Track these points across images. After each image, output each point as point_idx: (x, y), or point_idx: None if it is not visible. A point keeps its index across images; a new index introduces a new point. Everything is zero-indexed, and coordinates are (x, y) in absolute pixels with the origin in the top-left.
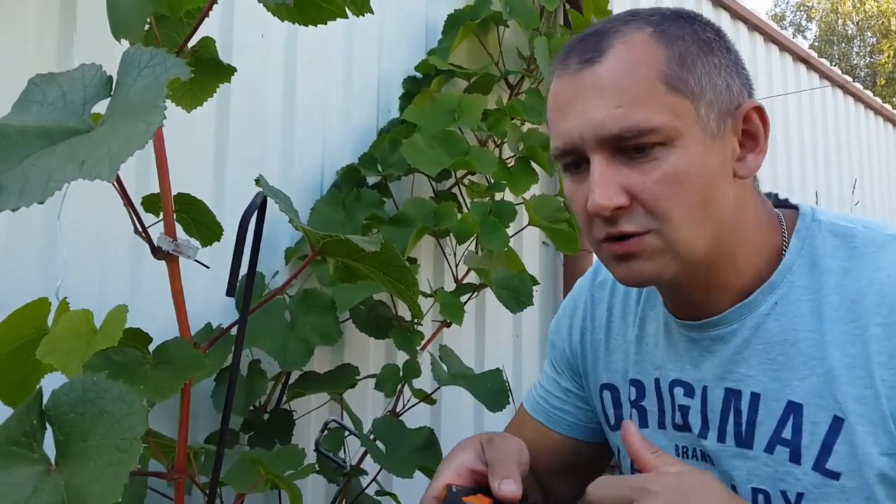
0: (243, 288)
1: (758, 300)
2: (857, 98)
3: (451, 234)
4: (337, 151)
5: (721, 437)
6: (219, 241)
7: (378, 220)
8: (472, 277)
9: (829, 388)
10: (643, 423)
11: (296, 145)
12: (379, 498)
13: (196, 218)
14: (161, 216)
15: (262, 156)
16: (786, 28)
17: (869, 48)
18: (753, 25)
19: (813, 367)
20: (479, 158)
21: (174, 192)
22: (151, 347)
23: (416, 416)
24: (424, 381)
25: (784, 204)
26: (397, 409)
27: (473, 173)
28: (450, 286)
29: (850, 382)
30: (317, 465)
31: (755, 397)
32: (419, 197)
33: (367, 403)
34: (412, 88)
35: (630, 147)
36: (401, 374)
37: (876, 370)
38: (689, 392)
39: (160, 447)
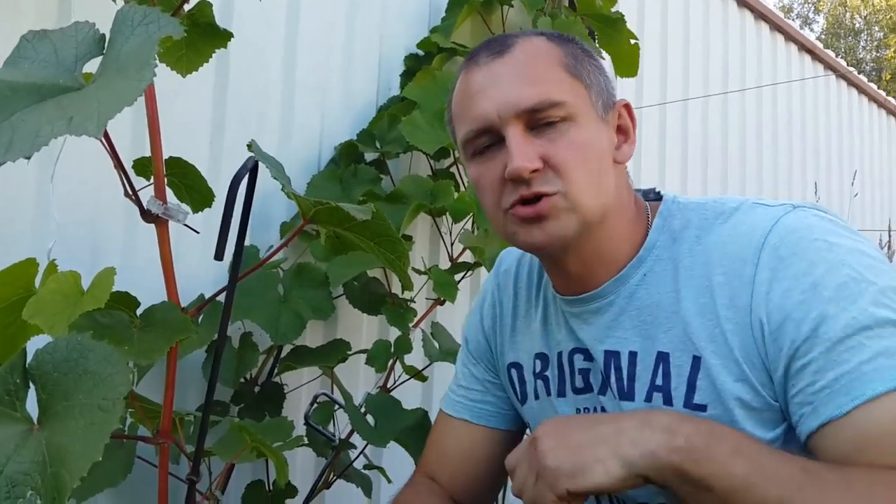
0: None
1: (629, 273)
2: (861, 90)
3: (448, 213)
4: (335, 127)
5: (603, 392)
6: (210, 206)
7: (375, 196)
8: (468, 256)
9: (687, 334)
10: (547, 393)
11: (294, 119)
12: (366, 472)
13: (187, 183)
14: (152, 180)
15: (260, 128)
16: (793, 20)
17: (876, 43)
18: (760, 14)
19: (674, 320)
20: None
21: (176, 157)
22: (141, 312)
23: (407, 393)
24: (416, 358)
25: (654, 198)
26: (388, 385)
27: None
28: (445, 264)
29: (702, 326)
30: (305, 438)
31: (633, 355)
32: (416, 174)
33: (359, 379)
34: (413, 66)
35: (540, 121)
36: (392, 349)
37: (720, 311)
38: (589, 356)
39: (146, 412)
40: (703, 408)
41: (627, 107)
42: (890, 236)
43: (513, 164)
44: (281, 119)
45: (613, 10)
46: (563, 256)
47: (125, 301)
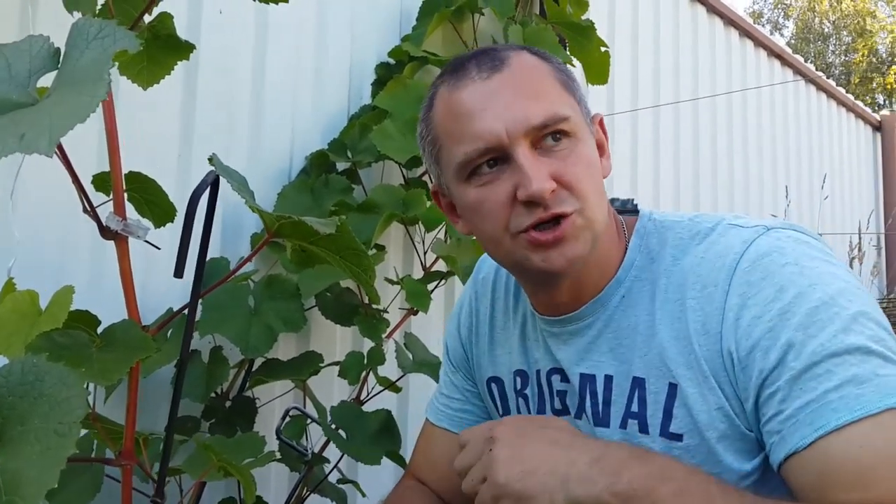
0: (207, 274)
1: (609, 295)
2: (830, 95)
3: (420, 222)
4: (306, 136)
5: (579, 416)
6: (172, 221)
7: (346, 206)
8: (441, 265)
9: (663, 360)
10: (528, 411)
11: (264, 129)
12: (341, 486)
13: (148, 198)
14: (112, 196)
15: (230, 138)
16: (763, 25)
17: (844, 47)
18: (729, 20)
19: (650, 344)
20: None
21: (136, 172)
22: (101, 331)
23: (381, 404)
24: (390, 369)
25: (627, 211)
26: (362, 397)
27: None
28: (418, 274)
29: (678, 352)
30: (278, 453)
31: (608, 379)
32: (388, 184)
33: (333, 391)
34: (384, 75)
35: (547, 139)
36: (365, 361)
37: (694, 337)
38: (566, 378)
39: (110, 433)
40: (679, 437)
41: (601, 122)
42: (860, 239)
43: (532, 186)
44: (250, 130)
45: (584, 17)
46: (565, 280)
47: (85, 320)
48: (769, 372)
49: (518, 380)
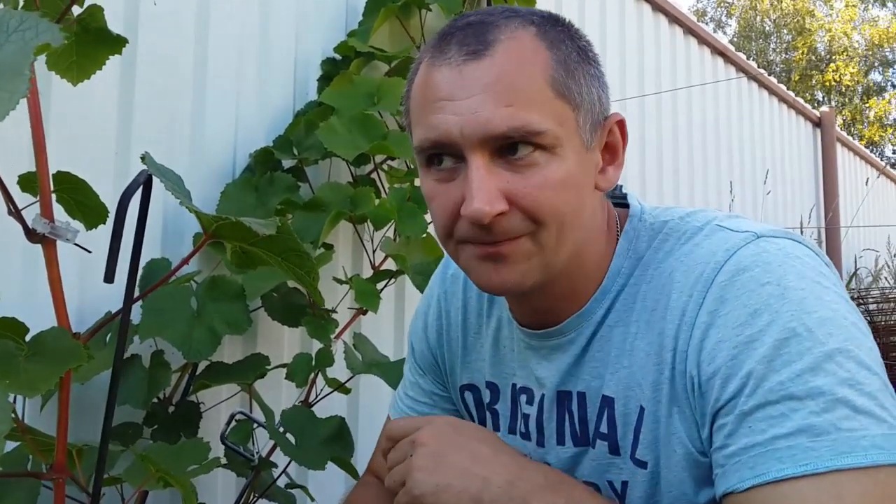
0: (147, 276)
1: (593, 308)
2: (772, 91)
3: (369, 220)
4: (250, 133)
5: (560, 440)
6: (104, 223)
7: (292, 204)
8: (390, 264)
9: (635, 379)
10: (495, 427)
11: (207, 126)
12: (290, 490)
13: (78, 198)
14: (38, 197)
15: (170, 135)
16: (707, 24)
17: (785, 45)
18: (674, 18)
19: (621, 360)
20: (398, 143)
21: (71, 171)
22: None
23: (331, 406)
24: (340, 370)
25: (618, 200)
26: (310, 399)
27: (392, 158)
28: (367, 273)
29: (648, 370)
30: (224, 459)
31: (581, 396)
32: (335, 182)
33: (281, 394)
34: (331, 70)
35: (510, 149)
36: (313, 363)
37: (665, 355)
38: (530, 400)
39: (41, 446)
40: (643, 464)
41: (621, 123)
42: (802, 233)
43: (473, 205)
44: (192, 126)
45: None
46: (523, 297)
47: (12, 328)
48: (724, 403)
49: (488, 392)
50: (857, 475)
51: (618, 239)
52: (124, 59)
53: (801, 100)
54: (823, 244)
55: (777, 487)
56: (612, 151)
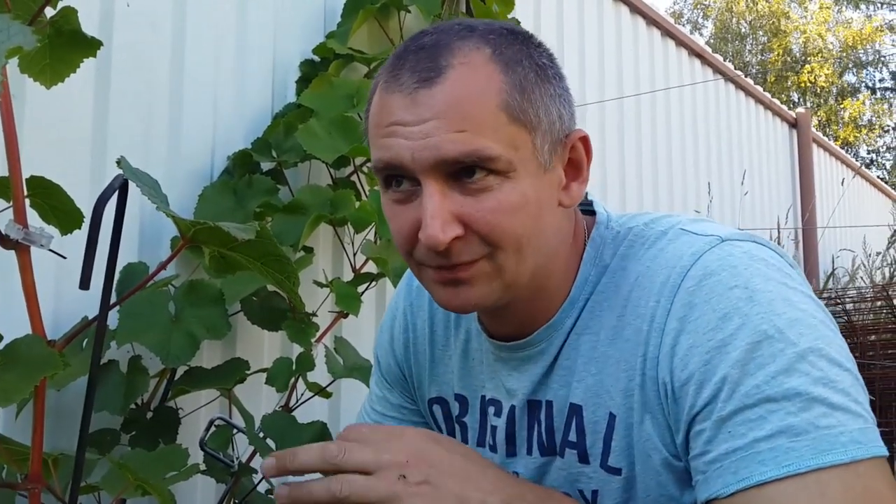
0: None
1: (561, 319)
2: (748, 93)
3: (349, 223)
4: (229, 135)
5: (529, 450)
6: (79, 228)
7: (272, 207)
8: (371, 267)
9: (604, 386)
10: (464, 439)
11: (184, 127)
12: (271, 496)
13: (52, 204)
14: (11, 202)
15: (147, 138)
16: (684, 25)
17: (760, 46)
18: (651, 20)
19: (589, 368)
20: None
21: (46, 176)
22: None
23: (312, 411)
24: (321, 375)
25: (586, 204)
26: (291, 404)
27: None
28: (348, 276)
29: (616, 377)
30: (203, 465)
31: (549, 405)
32: (315, 184)
33: (262, 399)
34: (309, 72)
35: (463, 173)
36: (294, 367)
37: (635, 361)
38: (498, 412)
39: (15, 455)
40: (617, 471)
41: (584, 140)
42: (779, 233)
43: (426, 231)
44: (169, 129)
45: (510, 16)
46: (493, 312)
47: None
48: (700, 409)
49: (457, 405)
50: (839, 471)
51: (585, 247)
52: (100, 62)
53: (777, 101)
54: (800, 244)
55: (761, 490)
56: (575, 167)
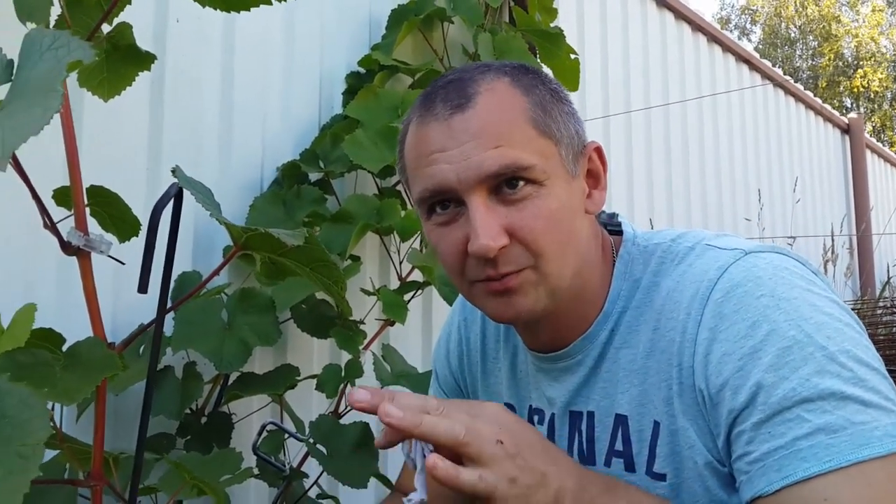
0: (179, 288)
1: (596, 331)
2: (798, 98)
3: (395, 232)
4: (277, 147)
5: None
6: (137, 235)
7: (319, 217)
8: (417, 275)
9: (647, 396)
10: None
11: (234, 140)
12: (321, 501)
13: (111, 212)
14: (73, 210)
15: (199, 151)
16: (731, 31)
17: (811, 51)
18: (697, 26)
19: (632, 379)
20: None
21: (98, 186)
22: (66, 349)
23: (360, 417)
24: (368, 382)
25: (612, 227)
26: (340, 410)
27: None
28: (394, 284)
29: (658, 387)
30: (256, 469)
31: (590, 415)
32: (362, 194)
33: (312, 404)
34: (355, 84)
35: (504, 187)
36: (343, 374)
37: (672, 371)
38: (541, 420)
39: (78, 454)
40: (662, 477)
41: (598, 150)
42: (833, 241)
43: (477, 241)
44: (220, 141)
45: (553, 25)
46: (534, 325)
47: (49, 338)
48: (738, 412)
49: None
50: (880, 463)
51: (614, 263)
52: (153, 77)
53: (828, 106)
54: (855, 253)
55: (805, 485)
56: (594, 177)
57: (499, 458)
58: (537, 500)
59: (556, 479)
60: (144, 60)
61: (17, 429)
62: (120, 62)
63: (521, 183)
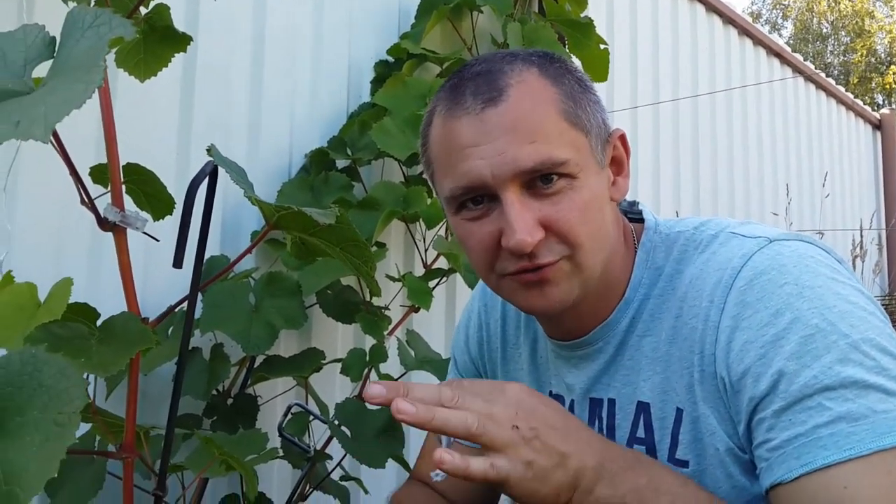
0: (207, 272)
1: (617, 319)
2: (829, 93)
3: (421, 219)
4: (305, 134)
5: None
6: (171, 214)
7: (346, 203)
8: (442, 262)
9: (670, 383)
10: None
11: (263, 127)
12: (344, 483)
13: (147, 190)
14: (109, 187)
15: (227, 136)
16: (762, 25)
17: (843, 47)
18: (728, 19)
19: (654, 367)
20: None
21: (134, 164)
22: (101, 323)
23: None
24: (392, 367)
25: (633, 215)
26: (363, 394)
27: None
28: (419, 271)
29: (679, 374)
30: (280, 450)
31: (611, 403)
32: (388, 181)
33: (335, 388)
34: (383, 72)
35: (539, 182)
36: (367, 358)
37: (694, 359)
38: (571, 405)
39: (110, 427)
40: (684, 463)
41: (622, 138)
42: (862, 236)
43: (515, 237)
44: (249, 127)
45: (583, 15)
46: (558, 315)
47: (84, 312)
48: (759, 400)
49: None
50: None
51: (635, 251)
52: (185, 61)
53: (860, 101)
54: (884, 248)
55: (825, 473)
56: (618, 164)
57: (514, 443)
58: (556, 480)
59: (576, 459)
60: (181, 42)
61: (55, 398)
62: (157, 43)
63: (556, 177)
